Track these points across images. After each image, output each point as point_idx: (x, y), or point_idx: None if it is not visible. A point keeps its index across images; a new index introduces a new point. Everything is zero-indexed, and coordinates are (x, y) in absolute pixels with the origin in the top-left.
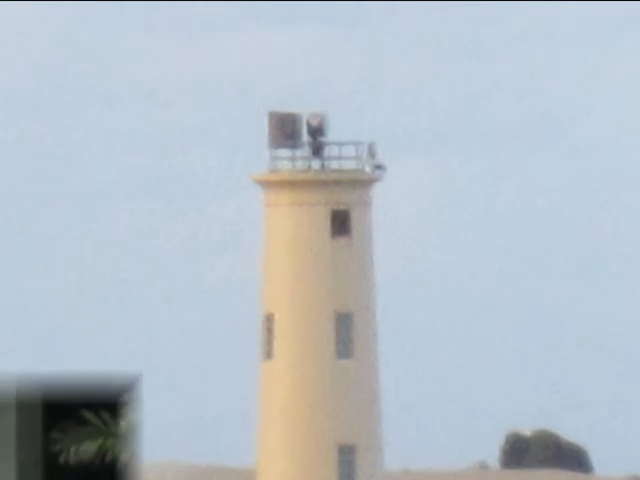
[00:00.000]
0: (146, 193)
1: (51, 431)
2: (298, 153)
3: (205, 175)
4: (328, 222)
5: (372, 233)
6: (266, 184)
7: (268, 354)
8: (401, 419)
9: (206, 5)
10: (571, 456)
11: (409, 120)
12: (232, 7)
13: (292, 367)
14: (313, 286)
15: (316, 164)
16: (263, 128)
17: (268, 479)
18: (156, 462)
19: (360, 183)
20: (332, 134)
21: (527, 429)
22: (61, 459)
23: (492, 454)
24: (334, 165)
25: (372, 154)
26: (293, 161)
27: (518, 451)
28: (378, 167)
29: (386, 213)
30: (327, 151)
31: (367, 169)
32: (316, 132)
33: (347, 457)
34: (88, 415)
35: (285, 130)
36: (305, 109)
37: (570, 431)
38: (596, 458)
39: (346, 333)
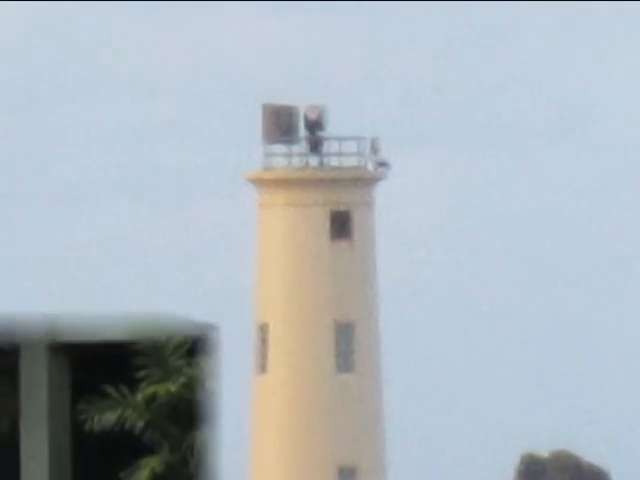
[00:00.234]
0: (128, 193)
1: (78, 403)
2: (294, 149)
3: (192, 173)
4: (327, 224)
5: (375, 236)
6: (259, 183)
7: (262, 367)
8: (406, 439)
9: None
10: (592, 478)
11: (416, 113)
12: None
13: (288, 382)
14: (311, 294)
15: (314, 161)
16: (256, 122)
17: None
18: None
19: (362, 182)
20: (331, 128)
21: (544, 449)
22: (86, 427)
23: (506, 477)
24: (334, 162)
25: (375, 150)
26: (289, 158)
27: (534, 473)
28: (382, 164)
29: (390, 214)
30: (326, 147)
31: (370, 166)
32: (314, 126)
33: None
34: (109, 389)
35: (280, 124)
36: (302, 101)
37: (590, 451)
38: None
39: (346, 345)
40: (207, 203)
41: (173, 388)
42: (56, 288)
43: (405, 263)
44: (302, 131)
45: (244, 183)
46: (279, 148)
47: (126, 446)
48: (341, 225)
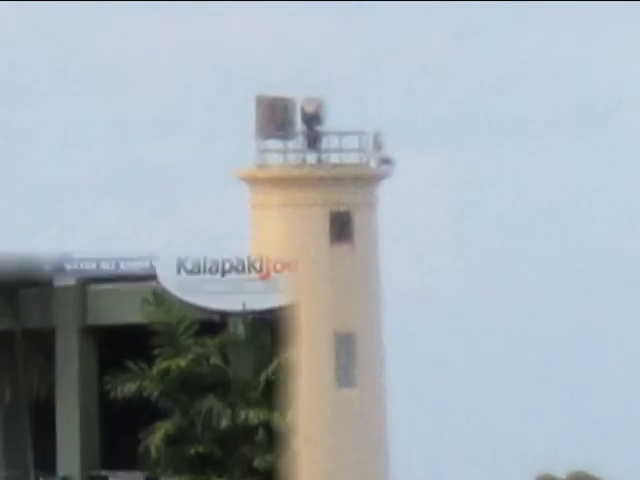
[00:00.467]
0: (111, 192)
1: (104, 376)
2: (291, 145)
3: (180, 171)
4: (326, 226)
5: (377, 239)
6: (253, 181)
7: None
8: (411, 457)
9: None
10: None
11: (421, 106)
12: None
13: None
14: (309, 302)
15: (312, 158)
16: (249, 115)
17: None
18: None
19: (364, 180)
20: (331, 122)
21: (561, 470)
22: (111, 395)
23: None
24: (333, 159)
25: (378, 146)
26: (285, 154)
27: None
28: (385, 161)
29: (394, 216)
30: (325, 142)
31: (372, 164)
32: (312, 120)
33: None
34: (129, 364)
35: (275, 118)
36: (299, 93)
37: (611, 473)
38: None
39: (347, 357)
40: (196, 204)
41: (183, 363)
42: None
43: (410, 269)
44: (299, 125)
45: (236, 182)
46: (274, 144)
47: (144, 411)
48: (341, 227)
